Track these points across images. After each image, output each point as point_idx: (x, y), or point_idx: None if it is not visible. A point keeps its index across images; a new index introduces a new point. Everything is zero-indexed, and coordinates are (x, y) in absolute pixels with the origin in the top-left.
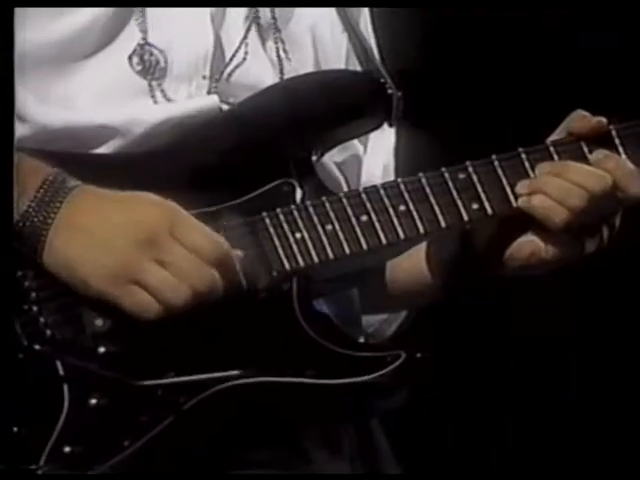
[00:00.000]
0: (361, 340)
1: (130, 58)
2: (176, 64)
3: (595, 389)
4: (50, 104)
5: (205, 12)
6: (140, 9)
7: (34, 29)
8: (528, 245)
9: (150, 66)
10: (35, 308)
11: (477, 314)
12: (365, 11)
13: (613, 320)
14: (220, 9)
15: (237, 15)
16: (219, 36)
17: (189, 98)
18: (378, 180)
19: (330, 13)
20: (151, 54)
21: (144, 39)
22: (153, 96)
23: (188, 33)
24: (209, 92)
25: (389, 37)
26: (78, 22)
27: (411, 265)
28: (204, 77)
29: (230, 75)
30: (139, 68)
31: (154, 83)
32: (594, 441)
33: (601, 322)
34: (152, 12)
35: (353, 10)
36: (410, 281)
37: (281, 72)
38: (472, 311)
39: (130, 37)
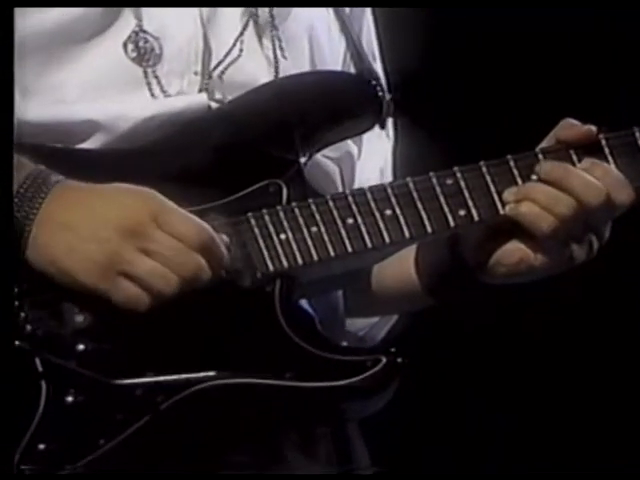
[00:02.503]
0: (344, 343)
1: (125, 45)
2: (169, 56)
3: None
4: (36, 97)
5: (194, 10)
6: None
7: (22, 19)
8: (517, 252)
9: (145, 53)
10: (16, 303)
11: (466, 320)
12: (368, 15)
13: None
14: (212, 9)
15: (231, 12)
16: (208, 32)
17: (181, 93)
18: (375, 183)
19: (328, 15)
20: (146, 41)
21: (139, 26)
22: (148, 83)
23: (178, 27)
24: (201, 88)
25: (392, 41)
26: (71, 10)
27: (400, 269)
28: (196, 73)
29: (223, 72)
30: (134, 55)
31: (149, 70)
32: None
33: (589, 329)
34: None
35: (355, 13)
36: (398, 286)
37: (276, 70)
38: (460, 317)
39: (125, 24)
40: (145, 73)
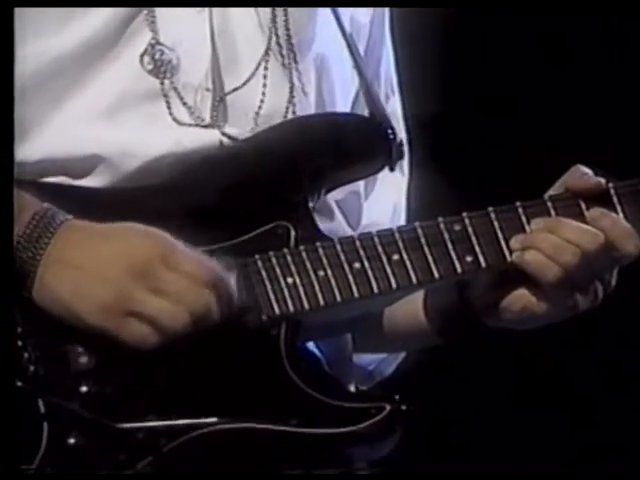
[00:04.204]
0: (350, 387)
1: (141, 57)
2: (185, 68)
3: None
4: (46, 127)
5: (205, 26)
6: (150, 11)
7: (33, 48)
8: (521, 299)
9: (162, 65)
10: (19, 343)
11: (473, 363)
12: (388, 45)
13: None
14: (223, 25)
15: (244, 32)
16: (218, 50)
17: (194, 109)
18: (387, 219)
19: (341, 49)
20: (162, 53)
21: (155, 39)
22: (165, 95)
23: (191, 40)
24: (212, 106)
25: (411, 78)
26: (86, 29)
27: (409, 311)
28: (207, 89)
29: (234, 95)
30: (150, 67)
31: (166, 82)
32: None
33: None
34: (161, 15)
35: (372, 47)
36: (407, 326)
37: (290, 100)
38: (467, 360)
39: (140, 38)
40: (162, 85)
